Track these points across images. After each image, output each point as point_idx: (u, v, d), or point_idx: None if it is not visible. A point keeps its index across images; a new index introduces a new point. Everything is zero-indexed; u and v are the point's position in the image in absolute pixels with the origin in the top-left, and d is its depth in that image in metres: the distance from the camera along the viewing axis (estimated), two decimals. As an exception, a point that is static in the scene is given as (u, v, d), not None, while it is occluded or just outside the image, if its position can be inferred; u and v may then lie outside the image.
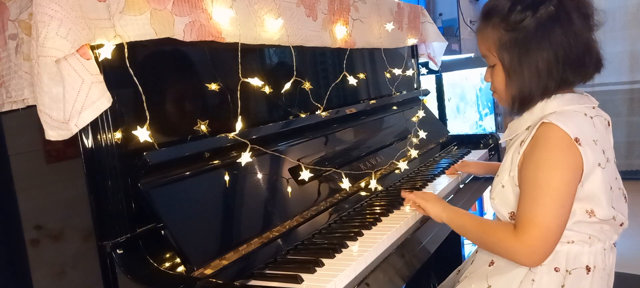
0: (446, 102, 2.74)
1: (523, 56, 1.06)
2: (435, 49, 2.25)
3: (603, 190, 1.04)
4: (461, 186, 1.65)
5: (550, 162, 1.01)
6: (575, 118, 1.04)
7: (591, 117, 1.07)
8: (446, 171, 1.73)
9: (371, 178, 1.48)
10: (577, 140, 1.00)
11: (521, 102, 1.10)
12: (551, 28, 1.04)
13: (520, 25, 1.05)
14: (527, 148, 1.06)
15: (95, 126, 0.91)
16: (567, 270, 1.08)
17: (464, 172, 1.70)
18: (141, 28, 0.95)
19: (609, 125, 1.15)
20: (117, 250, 0.93)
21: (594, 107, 1.11)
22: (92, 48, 0.88)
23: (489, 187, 1.61)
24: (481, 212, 3.04)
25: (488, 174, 1.68)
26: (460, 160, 1.81)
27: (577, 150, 1.00)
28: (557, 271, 1.08)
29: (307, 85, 1.40)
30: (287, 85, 1.33)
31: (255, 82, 1.19)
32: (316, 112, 1.47)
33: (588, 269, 1.08)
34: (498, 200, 1.15)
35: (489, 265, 1.19)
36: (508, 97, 1.12)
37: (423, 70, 2.34)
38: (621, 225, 1.10)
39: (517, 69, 1.07)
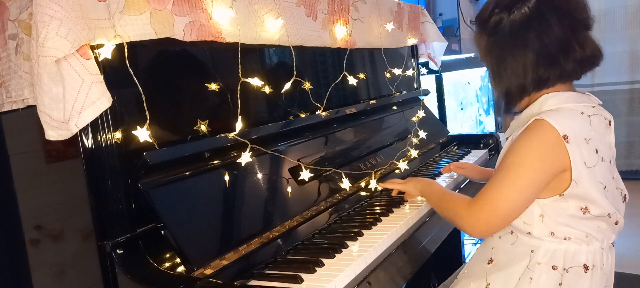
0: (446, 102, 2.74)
1: (501, 57, 1.12)
2: (435, 48, 2.25)
3: (595, 189, 1.05)
4: (457, 191, 1.64)
5: (526, 149, 1.04)
6: (568, 116, 1.05)
7: (589, 116, 1.08)
8: (442, 169, 1.71)
9: (371, 178, 1.48)
10: (565, 137, 1.02)
11: (506, 101, 1.16)
12: (525, 28, 1.08)
13: (497, 29, 1.12)
14: (514, 138, 1.10)
15: (95, 126, 0.91)
16: (564, 268, 1.08)
17: (460, 174, 1.69)
18: (141, 28, 0.95)
19: (610, 124, 1.15)
20: (117, 250, 0.93)
21: (594, 106, 1.11)
22: (92, 48, 0.88)
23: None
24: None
25: (483, 180, 1.65)
26: (458, 161, 1.80)
27: (564, 147, 1.01)
28: (554, 269, 1.08)
29: (307, 85, 1.40)
30: (287, 85, 1.33)
31: (255, 82, 1.19)
32: (316, 112, 1.47)
33: (586, 268, 1.08)
34: None
35: (488, 263, 1.19)
36: (496, 98, 1.19)
37: (423, 70, 2.35)
38: (616, 224, 1.11)
39: (499, 70, 1.14)
